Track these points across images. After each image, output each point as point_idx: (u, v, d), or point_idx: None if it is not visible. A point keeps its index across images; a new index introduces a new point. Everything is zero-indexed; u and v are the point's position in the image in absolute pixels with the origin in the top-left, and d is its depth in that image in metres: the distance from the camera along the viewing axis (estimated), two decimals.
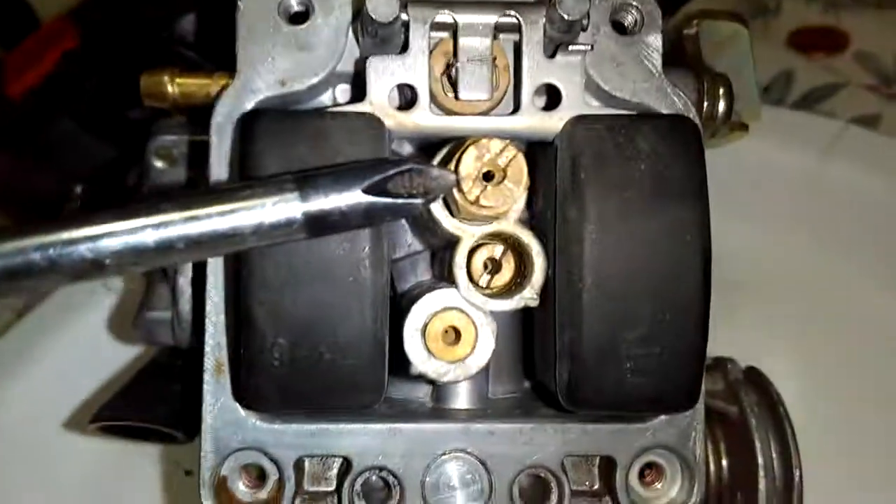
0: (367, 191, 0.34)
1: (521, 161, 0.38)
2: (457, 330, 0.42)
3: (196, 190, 0.37)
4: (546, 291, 0.44)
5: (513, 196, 0.38)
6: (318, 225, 0.34)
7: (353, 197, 0.34)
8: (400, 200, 0.34)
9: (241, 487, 0.47)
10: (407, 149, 0.51)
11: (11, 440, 0.78)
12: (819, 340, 0.85)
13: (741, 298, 0.83)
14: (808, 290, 0.87)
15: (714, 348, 0.63)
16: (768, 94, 1.10)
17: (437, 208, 0.42)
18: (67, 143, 0.90)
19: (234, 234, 0.32)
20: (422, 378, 0.43)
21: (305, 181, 0.34)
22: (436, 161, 0.42)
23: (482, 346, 0.42)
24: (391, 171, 0.34)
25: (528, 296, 0.42)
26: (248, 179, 0.41)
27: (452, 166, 0.39)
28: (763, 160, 0.90)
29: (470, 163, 0.38)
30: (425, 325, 0.41)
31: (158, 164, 0.65)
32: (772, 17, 1.18)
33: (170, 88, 0.53)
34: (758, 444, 0.59)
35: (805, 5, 1.19)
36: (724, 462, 0.61)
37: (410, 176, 0.35)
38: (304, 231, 0.34)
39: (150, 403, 0.58)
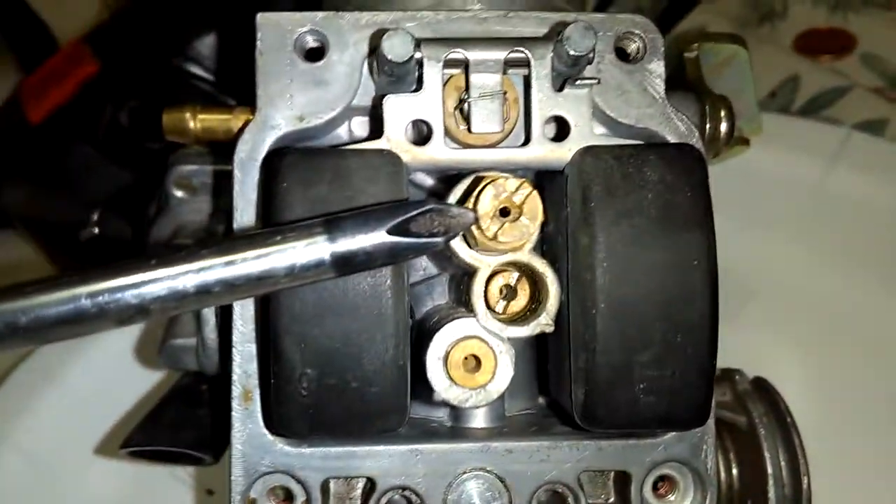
0: (390, 231, 0.36)
1: (536, 198, 0.40)
2: (477, 357, 0.43)
3: (230, 237, 0.39)
4: (559, 314, 0.46)
5: (529, 231, 0.40)
6: (346, 265, 0.36)
7: (377, 237, 0.36)
8: (422, 240, 0.36)
9: None
10: (421, 178, 0.53)
11: (37, 464, 0.79)
12: (826, 348, 0.86)
13: (748, 307, 0.85)
14: (815, 298, 0.88)
15: (721, 357, 0.65)
16: (775, 100, 1.11)
17: (456, 242, 0.43)
18: (85, 169, 0.92)
19: (269, 276, 0.34)
20: (444, 404, 0.44)
21: (333, 224, 0.36)
22: (454, 198, 0.44)
23: (501, 372, 0.43)
24: (413, 213, 0.36)
25: (544, 322, 0.44)
26: (273, 216, 0.43)
27: (471, 204, 0.41)
28: (769, 169, 0.91)
29: (488, 201, 0.40)
30: (447, 354, 0.43)
31: (178, 193, 0.67)
32: (778, 20, 1.19)
33: (192, 125, 0.55)
34: (767, 454, 0.60)
35: (812, 7, 1.20)
36: (734, 471, 0.62)
37: (431, 216, 0.37)
38: (333, 271, 0.36)
39: (178, 428, 0.60)
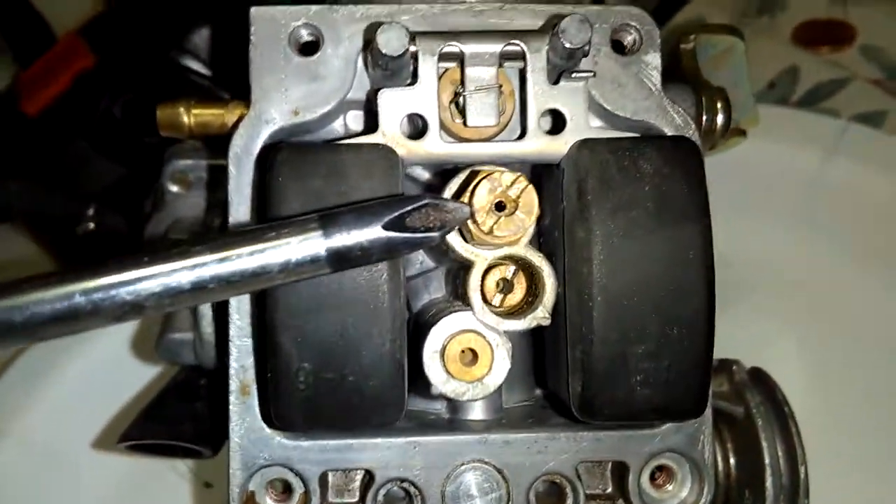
0: (386, 227, 0.36)
1: (532, 192, 0.40)
2: (474, 351, 0.43)
3: (225, 233, 0.38)
4: (556, 307, 0.46)
5: (524, 225, 0.40)
6: (341, 260, 0.36)
7: (373, 233, 0.36)
8: (418, 235, 0.36)
9: (268, 502, 0.50)
10: (417, 172, 0.53)
11: (36, 457, 0.79)
12: (823, 339, 0.86)
13: (745, 298, 0.85)
14: (812, 289, 0.88)
15: (719, 348, 0.65)
16: (773, 91, 1.10)
17: (452, 236, 0.43)
18: (81, 163, 0.92)
19: (264, 272, 0.34)
20: (442, 397, 0.45)
21: (328, 219, 0.36)
22: (449, 193, 0.44)
23: (498, 365, 0.43)
24: (409, 207, 0.36)
25: (541, 315, 0.44)
26: (268, 212, 0.43)
27: (466, 198, 0.41)
28: (767, 160, 0.91)
29: (483, 195, 0.40)
30: (444, 348, 0.43)
31: (174, 188, 0.67)
32: (778, 10, 1.19)
33: (186, 119, 0.55)
34: (764, 444, 0.60)
35: None
36: (732, 461, 0.62)
37: (427, 210, 0.37)
38: (328, 266, 0.36)
39: (176, 421, 0.60)
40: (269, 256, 0.34)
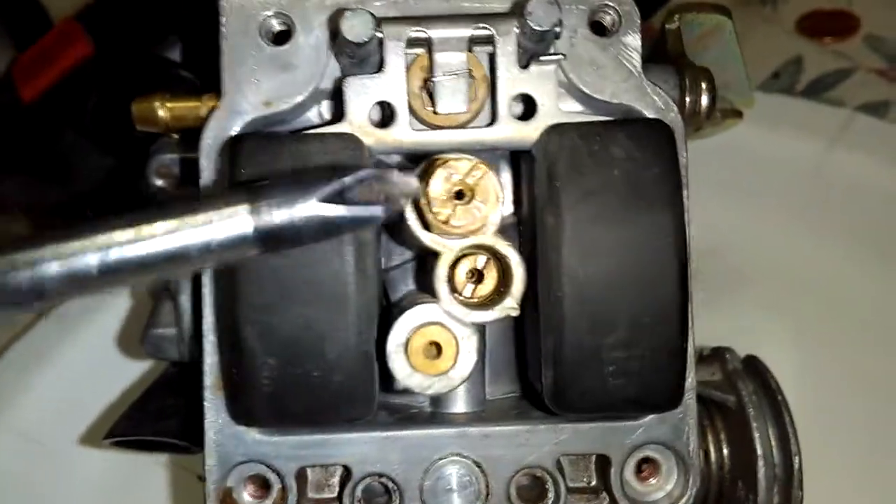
0: (323, 201, 0.32)
1: (491, 179, 0.39)
2: (438, 344, 0.43)
3: (144, 208, 0.34)
4: (535, 298, 0.45)
5: (482, 213, 0.39)
6: (273, 240, 0.32)
7: (307, 208, 0.32)
8: (358, 209, 0.33)
9: (246, 498, 0.49)
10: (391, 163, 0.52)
11: (22, 453, 0.79)
12: (820, 329, 0.84)
13: (745, 288, 0.83)
14: (810, 278, 0.86)
15: (715, 336, 0.63)
16: (777, 82, 1.09)
17: (413, 224, 0.42)
18: (75, 154, 0.91)
19: (181, 254, 0.31)
20: (406, 391, 0.44)
21: (257, 193, 0.32)
22: None
23: (464, 358, 0.42)
24: (347, 179, 0.33)
25: (509, 305, 0.43)
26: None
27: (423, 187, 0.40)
28: (769, 149, 0.89)
29: (439, 183, 0.39)
30: (407, 341, 0.42)
31: (159, 182, 0.67)
32: (781, 1, 1.17)
33: (161, 113, 0.54)
34: (756, 434, 0.59)
35: None
36: (724, 451, 0.61)
37: (370, 183, 0.33)
38: (258, 247, 0.32)
39: (161, 417, 0.59)
40: (188, 237, 0.31)
